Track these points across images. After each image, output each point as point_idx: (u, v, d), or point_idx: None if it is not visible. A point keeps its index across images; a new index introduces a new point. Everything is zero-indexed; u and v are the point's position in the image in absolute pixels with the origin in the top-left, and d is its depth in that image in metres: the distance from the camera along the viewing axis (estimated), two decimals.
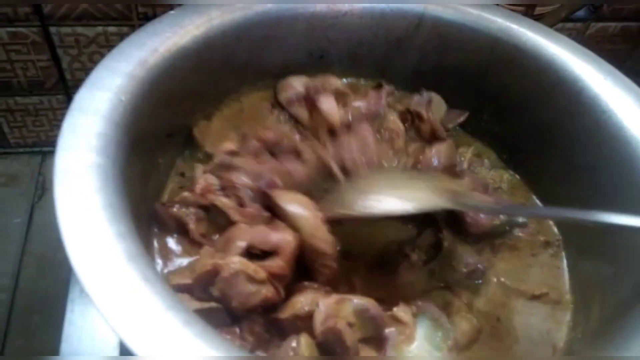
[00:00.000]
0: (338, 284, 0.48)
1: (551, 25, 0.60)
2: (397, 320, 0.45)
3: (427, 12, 0.58)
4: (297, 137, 0.59)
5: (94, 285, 0.33)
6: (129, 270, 0.34)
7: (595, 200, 0.53)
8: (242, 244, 0.45)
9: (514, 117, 0.60)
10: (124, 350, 0.55)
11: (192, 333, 0.33)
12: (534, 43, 0.56)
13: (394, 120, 0.60)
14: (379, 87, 0.62)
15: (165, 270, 0.49)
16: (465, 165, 0.61)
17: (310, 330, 0.43)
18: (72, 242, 0.34)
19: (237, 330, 0.44)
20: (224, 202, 0.49)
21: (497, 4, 0.60)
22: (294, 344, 0.42)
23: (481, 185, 0.58)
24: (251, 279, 0.43)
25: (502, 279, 0.54)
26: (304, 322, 0.44)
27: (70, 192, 0.37)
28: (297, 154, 0.55)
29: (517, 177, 0.63)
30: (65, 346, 0.57)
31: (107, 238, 0.35)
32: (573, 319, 0.52)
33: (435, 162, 0.58)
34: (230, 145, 0.54)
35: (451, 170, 0.59)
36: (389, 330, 0.44)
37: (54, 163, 0.38)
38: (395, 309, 0.45)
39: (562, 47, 0.55)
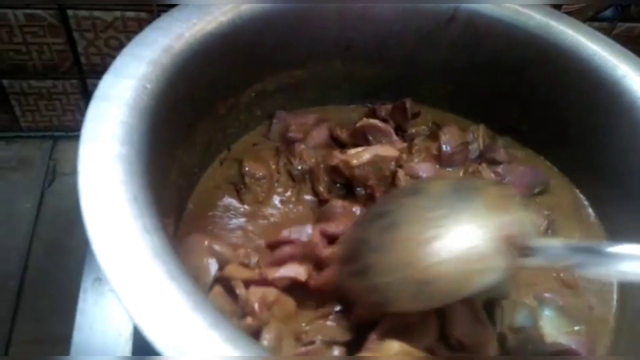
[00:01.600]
0: None
1: None
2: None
3: (462, 5, 0.56)
4: None
5: (120, 282, 0.32)
6: (155, 267, 0.33)
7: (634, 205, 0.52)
8: None
9: (547, 118, 0.59)
10: (137, 341, 0.54)
11: (219, 336, 0.32)
12: (573, 41, 0.54)
13: None
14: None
15: None
16: (481, 144, 0.61)
17: None
18: (97, 237, 0.33)
19: None
20: None
21: None
22: None
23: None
24: None
25: None
26: None
27: (95, 184, 0.35)
28: None
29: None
30: (77, 335, 0.56)
31: (132, 233, 0.34)
32: None
33: (446, 147, 0.58)
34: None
35: (465, 147, 0.59)
36: None
37: (78, 153, 0.37)
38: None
39: (602, 47, 0.54)
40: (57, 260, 0.72)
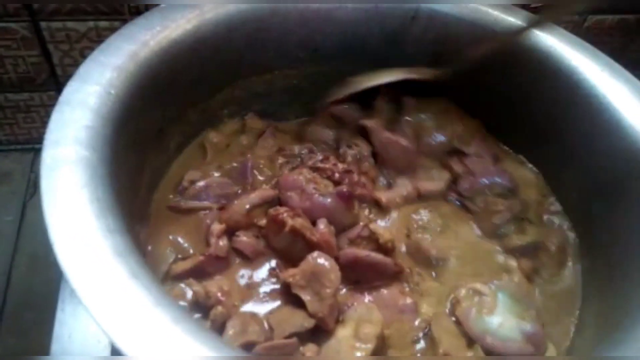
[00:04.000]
0: None
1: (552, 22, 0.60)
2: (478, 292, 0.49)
3: (422, 5, 0.57)
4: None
5: (82, 282, 0.33)
6: (117, 266, 0.34)
7: (593, 187, 0.54)
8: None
9: (509, 110, 0.60)
10: (116, 350, 0.54)
11: (181, 330, 0.32)
12: (529, 35, 0.55)
13: None
14: None
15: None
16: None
17: None
18: (59, 238, 0.34)
19: None
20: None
21: None
22: None
23: (490, 155, 0.60)
24: None
25: None
26: None
27: (57, 187, 0.36)
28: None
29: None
30: (55, 346, 0.56)
31: (94, 233, 0.35)
32: None
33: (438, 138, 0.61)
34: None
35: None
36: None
37: (41, 157, 0.38)
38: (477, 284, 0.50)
39: (558, 39, 0.55)
40: (40, 272, 0.72)
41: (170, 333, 0.32)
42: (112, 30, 0.67)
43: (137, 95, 0.46)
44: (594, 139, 0.52)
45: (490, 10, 0.56)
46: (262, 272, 0.51)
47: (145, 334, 0.32)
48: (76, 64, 0.70)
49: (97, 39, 0.68)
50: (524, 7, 0.68)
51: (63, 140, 0.39)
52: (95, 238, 0.34)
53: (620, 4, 0.78)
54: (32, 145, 0.82)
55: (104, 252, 0.34)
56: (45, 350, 0.56)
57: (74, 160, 0.38)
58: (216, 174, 0.57)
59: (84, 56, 0.69)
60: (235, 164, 0.58)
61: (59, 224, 0.34)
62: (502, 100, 0.60)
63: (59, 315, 0.58)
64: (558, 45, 0.54)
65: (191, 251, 0.51)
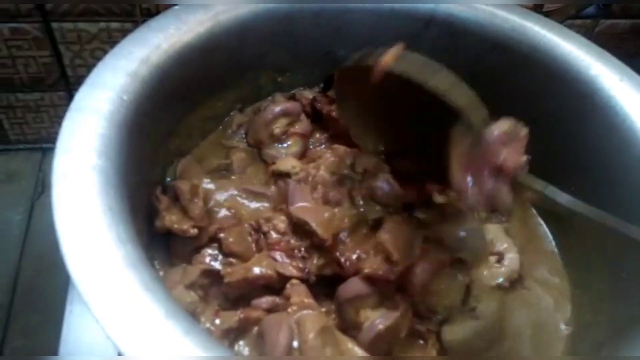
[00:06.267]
0: None
1: (560, 23, 0.59)
2: None
3: (438, 9, 0.56)
4: None
5: (92, 293, 0.32)
6: (129, 277, 0.33)
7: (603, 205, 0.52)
8: None
9: (525, 119, 0.59)
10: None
11: (192, 342, 0.32)
12: (547, 42, 0.54)
13: None
14: None
15: None
16: None
17: None
18: (70, 248, 0.33)
19: None
20: None
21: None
22: None
23: None
24: None
25: None
26: None
27: (69, 196, 0.36)
28: None
29: None
30: (63, 347, 0.56)
31: (106, 244, 0.34)
32: None
33: None
34: None
35: None
36: None
37: (53, 165, 0.37)
38: None
39: (576, 46, 0.54)
40: (48, 272, 0.72)
41: (181, 345, 0.32)
42: (123, 31, 0.67)
43: (149, 100, 0.46)
44: (609, 151, 0.51)
45: (508, 16, 0.55)
46: None
47: (155, 346, 0.31)
48: (86, 65, 0.71)
49: (108, 40, 0.68)
50: (534, 10, 0.68)
51: (75, 148, 0.38)
52: (107, 249, 0.34)
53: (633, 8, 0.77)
54: (41, 144, 0.82)
55: (115, 263, 0.33)
56: (53, 352, 0.56)
57: (86, 169, 0.37)
58: None
59: (94, 57, 0.70)
60: None
61: (71, 234, 0.34)
62: (513, 109, 0.58)
63: (67, 317, 0.58)
64: (576, 52, 0.53)
65: None
